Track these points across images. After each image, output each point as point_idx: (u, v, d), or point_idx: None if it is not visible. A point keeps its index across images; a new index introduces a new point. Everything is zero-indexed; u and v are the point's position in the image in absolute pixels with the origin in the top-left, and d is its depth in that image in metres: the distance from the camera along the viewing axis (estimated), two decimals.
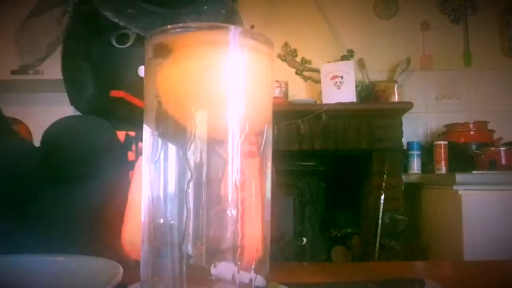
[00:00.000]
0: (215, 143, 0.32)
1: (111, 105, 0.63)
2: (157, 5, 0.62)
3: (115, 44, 0.61)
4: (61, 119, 0.59)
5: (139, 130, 0.61)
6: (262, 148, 0.34)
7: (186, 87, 0.33)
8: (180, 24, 0.33)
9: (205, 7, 0.65)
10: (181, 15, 0.63)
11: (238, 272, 0.31)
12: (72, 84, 0.68)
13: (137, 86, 0.57)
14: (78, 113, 0.70)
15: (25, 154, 0.57)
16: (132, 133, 0.59)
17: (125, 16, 0.58)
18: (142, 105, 0.61)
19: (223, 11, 0.67)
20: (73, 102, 0.68)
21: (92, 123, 0.57)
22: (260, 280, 0.33)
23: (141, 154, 0.57)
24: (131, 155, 0.58)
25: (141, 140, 0.58)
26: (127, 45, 0.60)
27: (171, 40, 0.34)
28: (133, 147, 0.58)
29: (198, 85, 0.32)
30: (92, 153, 0.54)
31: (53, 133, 0.55)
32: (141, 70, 0.59)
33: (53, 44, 0.66)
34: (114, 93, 0.61)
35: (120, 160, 0.57)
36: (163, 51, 0.35)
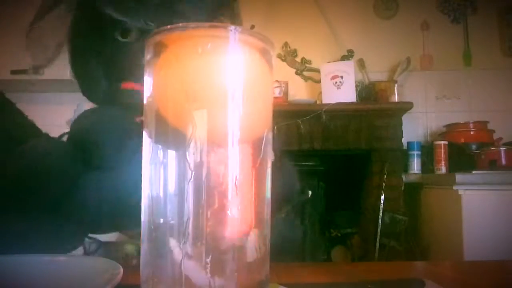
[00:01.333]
0: (214, 143, 0.32)
1: (123, 96, 0.64)
2: None
3: (119, 38, 0.62)
4: (84, 113, 0.63)
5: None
6: (262, 148, 0.34)
7: (182, 85, 0.33)
8: (180, 24, 0.33)
9: None
10: (179, 5, 0.64)
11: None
12: (84, 80, 0.70)
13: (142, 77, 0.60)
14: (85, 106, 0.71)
15: (57, 152, 0.58)
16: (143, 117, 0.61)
17: (125, 11, 0.60)
18: None
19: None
20: (88, 97, 0.70)
21: (114, 113, 0.61)
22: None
23: None
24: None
25: None
26: (131, 38, 0.62)
27: (168, 38, 0.34)
28: None
29: (195, 83, 0.32)
30: (118, 140, 0.57)
31: (81, 127, 0.59)
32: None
33: (61, 44, 0.68)
34: (125, 85, 0.64)
35: (138, 144, 0.59)
36: (160, 49, 0.35)
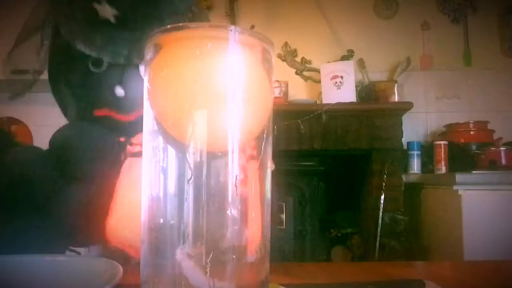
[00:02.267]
0: (214, 143, 0.32)
1: (99, 123, 0.68)
2: (122, 30, 0.65)
3: (92, 68, 0.65)
4: (65, 125, 0.66)
5: (127, 136, 0.64)
6: (262, 148, 0.34)
7: (176, 86, 0.33)
8: (180, 24, 0.33)
9: (168, 20, 0.68)
10: (146, 35, 0.65)
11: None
12: (60, 105, 0.75)
13: (118, 104, 0.66)
14: None
15: (37, 160, 0.62)
16: (122, 139, 0.66)
17: (94, 45, 0.64)
18: (126, 120, 0.65)
19: (186, 20, 0.71)
20: (67, 119, 0.74)
21: (91, 129, 0.64)
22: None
23: (130, 155, 0.63)
24: (122, 157, 0.64)
25: (129, 143, 0.64)
26: (103, 69, 0.65)
27: (163, 39, 0.34)
28: (126, 149, 0.65)
29: (192, 84, 0.32)
30: (94, 155, 0.61)
31: (61, 138, 0.63)
32: (118, 90, 0.65)
33: (38, 71, 0.73)
34: (98, 112, 0.68)
35: (115, 161, 0.63)
36: (155, 51, 0.35)
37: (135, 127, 0.62)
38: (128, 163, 0.63)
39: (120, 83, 0.66)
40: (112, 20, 0.64)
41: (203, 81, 0.32)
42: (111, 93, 0.66)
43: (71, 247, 0.67)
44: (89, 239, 0.63)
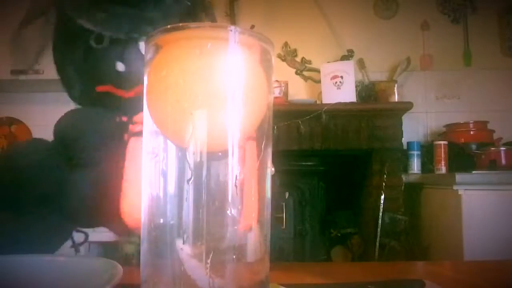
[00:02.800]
0: (213, 143, 0.32)
1: (99, 98, 0.69)
2: (124, 5, 0.66)
3: (93, 45, 0.66)
4: (66, 113, 0.69)
5: (129, 114, 0.64)
6: (262, 148, 0.34)
7: (179, 86, 0.33)
8: (180, 24, 0.33)
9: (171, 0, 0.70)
10: (148, 12, 0.68)
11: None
12: (64, 84, 0.75)
13: (119, 79, 0.67)
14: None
15: (42, 151, 0.64)
16: (124, 118, 0.66)
17: (96, 21, 0.64)
18: (126, 95, 0.65)
19: (189, 3, 0.72)
20: (70, 97, 0.75)
21: (93, 114, 0.66)
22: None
23: (133, 135, 0.64)
24: (126, 137, 0.65)
25: (131, 122, 0.64)
26: (104, 45, 0.66)
27: (162, 39, 0.34)
28: (128, 129, 0.65)
29: (194, 84, 0.32)
30: (97, 139, 0.63)
31: (63, 127, 0.65)
32: (119, 65, 0.67)
33: (40, 52, 0.74)
34: (100, 88, 0.68)
35: (119, 143, 0.64)
36: (155, 51, 0.35)
37: (137, 104, 0.62)
38: (132, 143, 0.63)
39: (121, 59, 0.67)
40: None
41: (203, 81, 0.32)
42: (112, 69, 0.67)
43: (78, 229, 0.69)
44: (98, 222, 0.63)
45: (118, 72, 0.67)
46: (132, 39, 0.66)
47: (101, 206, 0.61)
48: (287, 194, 2.26)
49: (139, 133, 0.62)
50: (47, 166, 0.63)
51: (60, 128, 0.65)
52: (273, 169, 0.36)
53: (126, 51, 0.67)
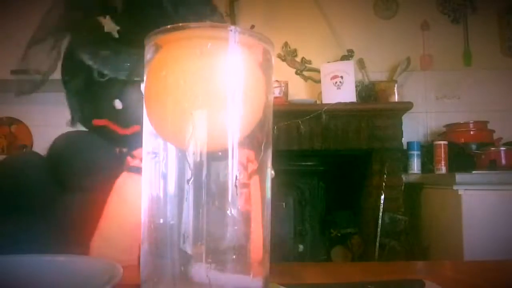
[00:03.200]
0: (212, 144, 0.32)
1: (98, 131, 0.70)
2: (124, 45, 0.66)
3: (96, 77, 0.67)
4: (64, 134, 0.70)
5: (128, 147, 0.64)
6: (262, 149, 0.34)
7: (179, 86, 0.32)
8: (180, 24, 0.33)
9: None
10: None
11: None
12: (69, 107, 0.77)
13: (116, 116, 0.67)
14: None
15: (35, 166, 0.65)
16: (124, 149, 0.67)
17: (98, 59, 0.66)
18: (122, 132, 0.65)
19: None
20: (73, 122, 0.77)
21: (90, 140, 0.66)
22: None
23: (126, 170, 0.63)
24: (119, 170, 0.64)
25: (131, 155, 0.64)
26: (106, 78, 0.67)
27: (161, 39, 0.34)
28: (125, 162, 0.65)
29: (194, 84, 0.32)
30: (90, 166, 0.63)
31: (58, 147, 0.65)
32: (117, 103, 0.68)
33: (47, 73, 0.73)
34: (97, 122, 0.70)
35: (110, 174, 0.64)
36: (154, 51, 0.35)
37: (134, 141, 0.63)
38: (122, 178, 0.63)
39: (120, 97, 0.67)
40: (116, 35, 0.66)
41: (203, 81, 0.32)
42: (110, 105, 0.68)
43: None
44: (77, 249, 0.62)
45: (116, 109, 0.67)
46: (132, 79, 0.66)
47: (79, 235, 0.60)
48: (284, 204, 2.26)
49: (134, 169, 0.62)
50: (36, 182, 0.63)
51: (55, 148, 0.66)
52: (273, 172, 0.36)
53: (125, 90, 0.67)
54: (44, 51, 0.72)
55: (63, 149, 0.66)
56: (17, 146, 2.60)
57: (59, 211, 0.63)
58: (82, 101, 0.72)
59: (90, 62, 0.66)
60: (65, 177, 0.63)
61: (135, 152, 0.65)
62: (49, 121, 2.59)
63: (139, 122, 0.36)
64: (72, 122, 0.76)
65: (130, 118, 0.67)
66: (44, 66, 0.73)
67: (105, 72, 0.66)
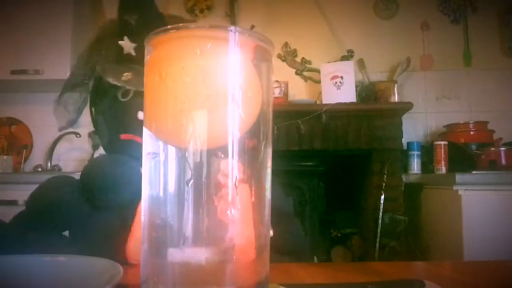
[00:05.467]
0: (213, 144, 0.32)
1: (124, 147, 0.76)
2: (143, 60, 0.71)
3: (120, 98, 0.74)
4: (96, 158, 0.82)
5: None
6: (262, 148, 0.34)
7: (178, 86, 0.33)
8: (180, 24, 0.33)
9: None
10: None
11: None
12: (97, 134, 0.85)
13: (141, 128, 0.68)
14: None
15: (68, 188, 0.71)
16: None
17: (124, 81, 0.72)
18: None
19: None
20: (102, 146, 0.85)
21: (120, 162, 0.73)
22: None
23: None
24: None
25: None
26: (129, 98, 0.74)
27: (164, 39, 0.34)
28: None
29: (194, 84, 0.32)
30: (120, 185, 0.69)
31: (90, 170, 0.73)
32: (140, 114, 0.73)
33: (79, 109, 0.84)
34: (124, 136, 0.76)
35: (137, 189, 0.68)
36: (149, 51, 0.35)
37: None
38: None
39: (142, 108, 0.70)
40: (133, 52, 0.73)
41: (203, 81, 0.32)
42: (135, 118, 0.73)
43: None
44: (115, 257, 0.70)
45: (140, 121, 0.71)
46: None
47: (111, 244, 0.66)
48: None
49: None
50: (70, 202, 0.70)
51: (86, 171, 0.73)
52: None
53: None
54: (77, 91, 0.83)
55: (93, 172, 0.72)
56: (17, 146, 2.60)
57: (94, 226, 0.69)
58: (108, 120, 0.78)
59: (117, 83, 0.72)
60: (96, 197, 0.70)
61: None
62: (49, 121, 2.59)
63: None
64: (102, 145, 0.83)
65: None
66: (78, 103, 0.83)
67: (129, 88, 0.72)
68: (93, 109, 0.82)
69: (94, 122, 0.83)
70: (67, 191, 0.71)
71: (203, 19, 2.60)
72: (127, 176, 0.70)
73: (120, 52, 0.74)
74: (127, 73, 0.72)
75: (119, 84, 0.72)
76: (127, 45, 0.73)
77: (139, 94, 0.71)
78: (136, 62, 0.73)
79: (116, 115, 0.76)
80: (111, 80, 0.72)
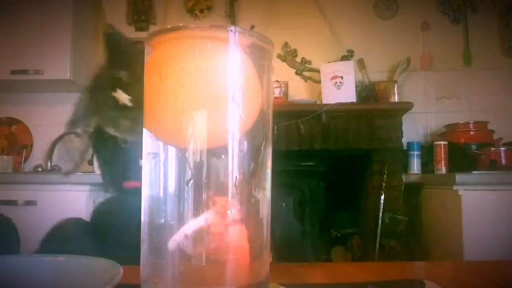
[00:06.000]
0: (213, 144, 0.32)
1: (127, 194, 0.78)
2: (138, 110, 0.72)
3: (122, 145, 0.76)
4: (106, 200, 0.82)
5: None
6: (262, 149, 0.34)
7: (177, 86, 0.33)
8: (180, 25, 0.33)
9: None
10: None
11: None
12: (103, 180, 0.88)
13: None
14: None
15: (80, 230, 0.75)
16: None
17: (120, 129, 0.74)
18: None
19: None
20: (110, 191, 0.89)
21: (126, 202, 0.75)
22: None
23: None
24: None
25: None
26: (130, 145, 0.75)
27: (163, 39, 0.34)
28: None
29: (193, 84, 0.32)
30: (129, 227, 0.69)
31: (101, 211, 0.77)
32: (141, 162, 0.72)
33: (83, 152, 0.87)
34: (127, 184, 0.78)
35: None
36: (147, 52, 0.35)
37: None
38: None
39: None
40: (129, 103, 0.73)
41: (203, 81, 0.32)
42: (136, 165, 0.74)
43: None
44: None
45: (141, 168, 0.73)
46: None
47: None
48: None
49: None
50: (83, 243, 0.73)
51: (96, 213, 0.78)
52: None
53: None
54: (80, 132, 0.86)
55: (103, 213, 0.77)
56: (17, 146, 2.60)
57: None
58: (111, 168, 0.82)
59: (115, 133, 0.74)
60: (107, 235, 0.73)
61: None
62: (49, 121, 2.59)
63: None
64: (110, 190, 0.87)
65: None
66: (80, 146, 0.86)
67: (128, 138, 0.74)
68: (96, 156, 0.86)
69: (100, 168, 0.86)
70: (79, 233, 0.74)
71: (203, 19, 2.60)
72: (135, 215, 0.73)
73: (114, 102, 0.74)
74: (125, 122, 0.73)
75: (119, 136, 0.74)
76: (121, 97, 0.73)
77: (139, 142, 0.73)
78: (132, 111, 0.73)
79: (118, 162, 0.79)
80: (111, 131, 0.74)
